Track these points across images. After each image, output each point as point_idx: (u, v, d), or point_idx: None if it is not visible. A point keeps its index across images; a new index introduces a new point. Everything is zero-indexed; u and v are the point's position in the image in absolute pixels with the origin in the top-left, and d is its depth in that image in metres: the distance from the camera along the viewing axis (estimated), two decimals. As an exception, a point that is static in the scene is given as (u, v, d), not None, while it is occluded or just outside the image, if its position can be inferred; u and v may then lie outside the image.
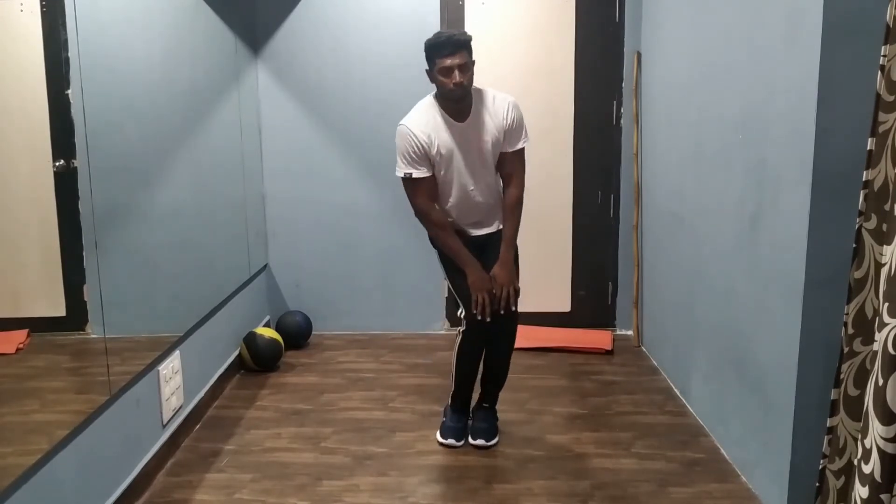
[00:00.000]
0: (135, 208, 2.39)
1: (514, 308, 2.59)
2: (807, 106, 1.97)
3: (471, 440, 2.71)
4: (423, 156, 2.49)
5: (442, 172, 2.54)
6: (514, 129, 2.53)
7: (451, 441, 2.70)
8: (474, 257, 2.56)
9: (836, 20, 1.90)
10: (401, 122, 2.51)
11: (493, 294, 2.54)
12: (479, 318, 2.53)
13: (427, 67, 2.48)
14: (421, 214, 2.57)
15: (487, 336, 2.64)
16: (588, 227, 3.98)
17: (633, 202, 3.85)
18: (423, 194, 2.54)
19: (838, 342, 1.73)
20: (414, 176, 2.50)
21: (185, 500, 2.34)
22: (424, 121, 2.49)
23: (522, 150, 2.58)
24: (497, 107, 2.51)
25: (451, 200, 2.60)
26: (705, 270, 2.84)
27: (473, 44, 2.48)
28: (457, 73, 2.38)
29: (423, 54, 2.49)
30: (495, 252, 2.61)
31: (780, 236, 2.18)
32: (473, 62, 2.47)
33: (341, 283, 4.04)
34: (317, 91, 3.88)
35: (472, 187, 2.57)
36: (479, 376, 2.79)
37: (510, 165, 2.57)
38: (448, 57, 2.39)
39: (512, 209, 2.59)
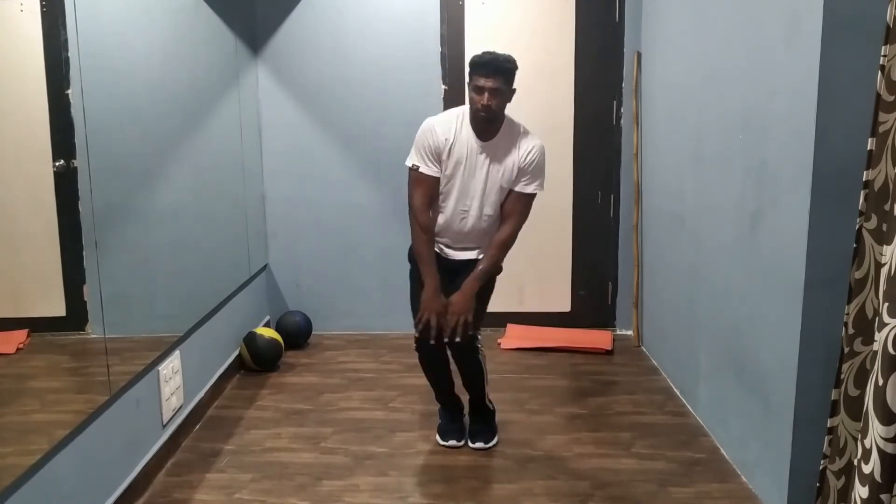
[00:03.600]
0: (135, 208, 2.39)
1: (462, 338, 2.49)
2: (807, 106, 1.97)
3: (469, 444, 2.70)
4: (436, 155, 2.49)
5: (445, 181, 2.52)
6: (529, 171, 2.48)
7: (451, 442, 2.70)
8: (440, 278, 2.51)
9: (836, 20, 1.90)
10: (429, 118, 2.54)
11: (445, 319, 2.47)
12: (418, 336, 2.52)
13: (468, 81, 2.45)
14: (412, 210, 2.54)
15: (437, 349, 2.57)
16: (588, 227, 3.98)
17: (633, 202, 3.85)
18: (422, 192, 2.52)
19: (838, 342, 1.73)
20: (420, 170, 2.50)
21: (185, 500, 2.34)
22: (450, 124, 2.50)
23: (531, 196, 2.53)
24: (523, 143, 2.48)
25: (443, 213, 2.57)
26: (705, 270, 2.84)
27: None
28: (487, 94, 2.36)
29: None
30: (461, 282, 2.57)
31: (780, 236, 2.18)
32: (513, 91, 2.44)
33: (341, 283, 4.04)
34: (317, 91, 3.88)
35: (465, 208, 2.53)
36: (451, 378, 2.75)
37: (512, 205, 2.53)
38: (483, 77, 2.36)
39: (496, 246, 2.53)
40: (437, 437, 2.75)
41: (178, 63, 2.74)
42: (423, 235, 2.52)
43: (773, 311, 2.23)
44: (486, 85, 2.36)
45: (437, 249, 2.60)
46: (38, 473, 1.79)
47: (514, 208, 2.53)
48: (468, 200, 2.53)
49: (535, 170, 2.50)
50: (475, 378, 2.71)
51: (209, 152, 3.08)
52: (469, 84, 2.43)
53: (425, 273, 2.51)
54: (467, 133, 2.48)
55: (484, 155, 2.48)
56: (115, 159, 2.22)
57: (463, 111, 2.52)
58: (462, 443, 2.71)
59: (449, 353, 2.65)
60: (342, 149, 3.93)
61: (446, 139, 2.47)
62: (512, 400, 3.09)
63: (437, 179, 2.51)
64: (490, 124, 2.46)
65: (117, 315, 2.21)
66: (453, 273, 2.59)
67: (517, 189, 2.51)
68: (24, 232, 1.88)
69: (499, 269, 2.63)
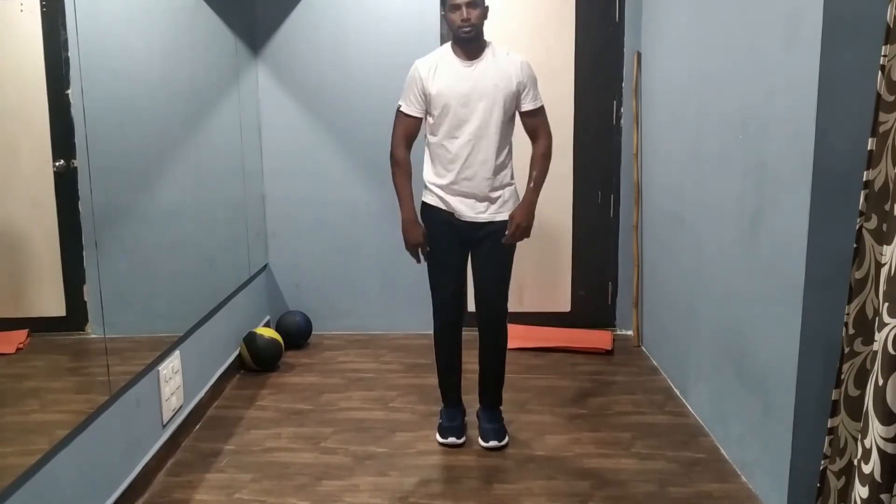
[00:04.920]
0: (135, 208, 2.39)
1: (501, 299, 2.73)
2: (807, 106, 1.97)
3: (482, 443, 2.70)
4: (420, 93, 2.57)
5: (436, 113, 2.56)
6: (529, 84, 2.57)
7: (451, 440, 2.71)
8: (457, 255, 2.65)
9: (836, 20, 1.90)
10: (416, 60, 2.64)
11: (512, 229, 2.60)
12: (417, 261, 2.67)
13: (442, 11, 2.56)
14: (392, 146, 2.65)
15: (457, 315, 2.74)
16: (588, 227, 3.98)
17: (633, 202, 3.85)
18: (400, 130, 2.63)
19: (838, 342, 1.73)
20: (402, 108, 2.61)
21: (185, 500, 2.34)
22: (432, 59, 2.58)
23: (542, 107, 2.62)
24: (511, 59, 2.56)
25: (449, 148, 2.56)
26: (705, 270, 2.84)
27: None
28: (465, 9, 2.44)
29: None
30: (489, 252, 2.63)
31: (780, 236, 2.18)
32: (487, 7, 2.52)
33: (341, 283, 4.04)
34: (317, 91, 3.88)
35: (466, 132, 2.53)
36: (461, 367, 2.83)
37: (533, 123, 2.62)
38: None
39: (539, 158, 2.64)
40: (437, 436, 2.75)
41: (178, 63, 2.74)
42: (397, 168, 2.65)
43: (773, 311, 2.23)
44: (462, 0, 2.44)
45: (448, 209, 2.62)
46: (38, 473, 1.79)
47: (536, 124, 2.63)
48: (468, 124, 2.53)
49: (534, 82, 2.59)
50: (498, 363, 2.78)
51: (209, 152, 3.08)
52: (444, 11, 2.52)
53: (401, 200, 2.63)
54: (452, 60, 2.55)
55: (475, 75, 2.53)
56: (115, 159, 2.22)
57: (445, 46, 2.61)
58: (461, 441, 2.71)
59: (477, 337, 2.76)
60: (342, 149, 3.93)
61: (429, 69, 2.55)
62: (512, 400, 3.09)
63: (418, 120, 2.62)
64: (474, 42, 2.52)
65: (117, 315, 2.21)
66: (473, 241, 2.65)
67: (529, 107, 2.60)
68: (24, 232, 1.88)
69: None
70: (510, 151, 2.65)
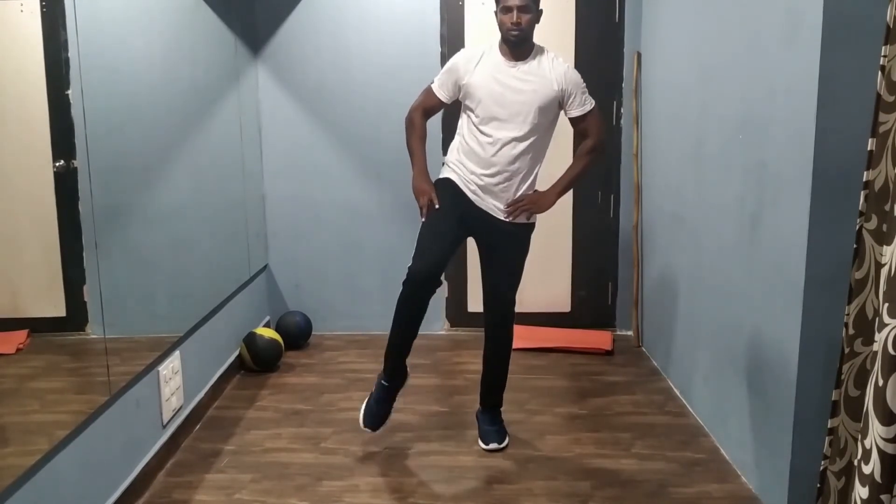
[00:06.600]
0: (135, 208, 2.39)
1: (511, 295, 2.69)
2: (807, 106, 1.97)
3: (483, 445, 2.69)
4: (452, 81, 2.54)
5: (472, 105, 2.52)
6: (576, 91, 2.51)
7: (368, 430, 2.64)
8: (454, 229, 2.52)
9: (836, 20, 1.90)
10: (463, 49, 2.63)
11: (516, 202, 2.53)
12: (423, 219, 2.51)
13: (495, 8, 2.51)
14: (410, 111, 2.64)
15: (426, 287, 2.48)
16: (588, 227, 3.98)
17: (633, 202, 3.85)
18: (423, 104, 2.63)
19: (838, 342, 1.73)
20: (433, 86, 2.60)
21: (185, 501, 2.34)
22: (477, 50, 2.55)
23: (593, 110, 2.56)
24: (556, 65, 2.50)
25: (475, 136, 2.52)
26: (705, 270, 2.84)
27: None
28: (516, 13, 2.39)
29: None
30: (503, 249, 2.60)
31: (780, 236, 2.18)
32: (540, 11, 2.48)
33: (341, 284, 4.04)
34: (317, 91, 3.88)
35: (497, 132, 2.48)
36: (413, 339, 2.67)
37: (582, 125, 2.58)
38: None
39: (582, 153, 2.62)
40: (361, 412, 2.65)
41: (178, 63, 2.74)
42: (410, 128, 2.63)
43: (773, 311, 2.23)
44: (514, 3, 2.39)
45: (469, 190, 2.54)
46: (38, 473, 1.79)
47: (585, 127, 2.58)
48: (502, 123, 2.48)
49: (580, 88, 2.52)
50: (503, 364, 2.77)
51: (209, 152, 3.08)
52: (496, 9, 2.47)
53: (413, 159, 2.60)
54: (495, 57, 2.50)
55: (517, 76, 2.48)
56: (115, 159, 2.22)
57: (493, 41, 2.55)
58: (377, 431, 2.66)
59: (487, 331, 2.77)
60: (342, 149, 3.93)
61: (468, 60, 2.52)
62: (512, 400, 3.08)
63: (442, 103, 2.61)
64: (521, 45, 2.47)
65: (117, 315, 2.21)
66: (478, 231, 2.59)
67: (576, 113, 2.54)
68: (24, 232, 1.88)
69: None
70: (539, 160, 2.58)
